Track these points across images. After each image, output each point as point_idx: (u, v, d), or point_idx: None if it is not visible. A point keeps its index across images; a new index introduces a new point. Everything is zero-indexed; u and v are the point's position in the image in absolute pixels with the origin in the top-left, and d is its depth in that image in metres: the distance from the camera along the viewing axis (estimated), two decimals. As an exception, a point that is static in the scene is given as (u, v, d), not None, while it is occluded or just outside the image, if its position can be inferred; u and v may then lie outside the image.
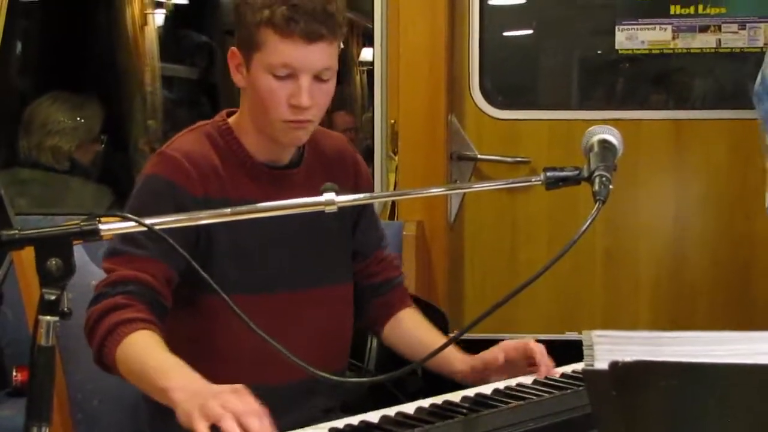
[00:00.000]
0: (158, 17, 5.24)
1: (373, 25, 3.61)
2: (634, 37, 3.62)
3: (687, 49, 3.61)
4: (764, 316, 3.51)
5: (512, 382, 1.94)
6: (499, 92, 3.73)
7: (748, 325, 3.48)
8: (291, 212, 1.65)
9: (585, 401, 1.30)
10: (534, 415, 1.72)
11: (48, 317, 1.33)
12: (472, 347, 2.08)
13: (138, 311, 1.82)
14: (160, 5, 5.24)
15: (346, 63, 5.96)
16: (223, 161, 2.00)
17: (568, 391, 1.86)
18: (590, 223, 1.50)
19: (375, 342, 3.17)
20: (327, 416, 1.97)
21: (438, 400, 1.82)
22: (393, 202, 3.57)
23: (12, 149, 3.90)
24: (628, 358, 1.19)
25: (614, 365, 1.19)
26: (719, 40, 3.58)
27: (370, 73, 4.06)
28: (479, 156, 3.64)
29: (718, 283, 3.59)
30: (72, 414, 2.16)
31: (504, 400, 1.82)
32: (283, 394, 1.93)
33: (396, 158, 3.57)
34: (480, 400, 1.82)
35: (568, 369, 2.00)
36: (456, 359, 2.06)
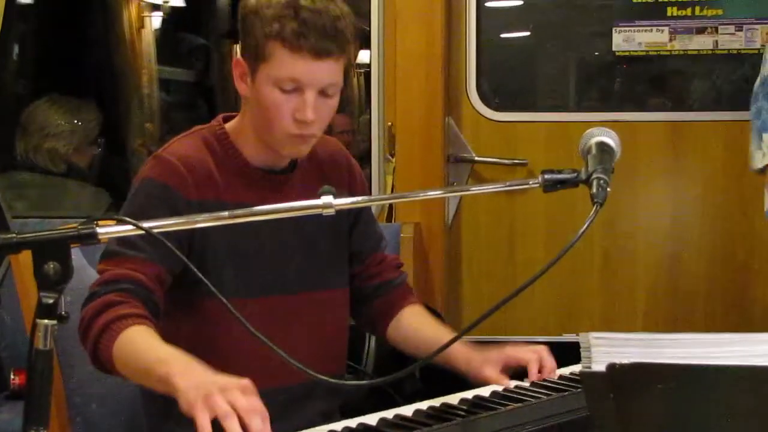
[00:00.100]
0: (155, 20, 5.24)
1: (370, 27, 3.61)
2: (631, 39, 3.62)
3: (684, 50, 3.61)
4: (762, 318, 3.52)
5: (510, 384, 1.94)
6: (496, 94, 3.74)
7: (745, 327, 3.49)
8: (288, 215, 1.65)
9: (583, 403, 1.30)
10: (532, 417, 1.72)
11: (45, 321, 1.33)
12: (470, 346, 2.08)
13: (132, 307, 1.82)
14: (157, 8, 5.24)
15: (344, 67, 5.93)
16: (219, 166, 2.00)
17: (566, 393, 1.86)
18: (588, 226, 1.50)
19: (373, 344, 3.18)
20: (325, 419, 1.97)
21: (436, 402, 1.82)
22: (390, 205, 3.57)
23: (9, 152, 3.90)
24: (625, 361, 1.20)
25: (612, 367, 1.20)
26: (716, 41, 3.59)
27: (367, 76, 4.06)
28: (476, 158, 3.64)
29: (715, 285, 3.59)
30: (70, 417, 2.16)
31: (502, 402, 1.82)
32: (281, 397, 1.92)
33: (393, 160, 3.57)
34: (478, 403, 1.82)
35: (565, 371, 2.00)
36: (459, 358, 2.05)
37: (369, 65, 3.72)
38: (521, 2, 3.85)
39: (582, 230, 1.50)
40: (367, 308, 2.23)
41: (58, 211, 3.79)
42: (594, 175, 1.59)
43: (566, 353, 1.96)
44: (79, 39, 5.01)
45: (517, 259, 3.65)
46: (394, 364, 2.05)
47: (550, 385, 1.92)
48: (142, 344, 1.76)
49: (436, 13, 3.52)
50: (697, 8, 3.59)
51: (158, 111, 5.23)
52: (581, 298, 3.63)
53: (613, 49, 3.65)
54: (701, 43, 3.60)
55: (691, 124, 3.60)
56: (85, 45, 5.05)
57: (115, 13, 5.04)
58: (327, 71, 1.92)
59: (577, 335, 1.42)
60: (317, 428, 1.73)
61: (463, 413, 1.77)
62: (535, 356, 1.99)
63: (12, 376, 3.10)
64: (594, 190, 1.57)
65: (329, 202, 1.56)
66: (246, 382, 1.58)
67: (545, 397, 1.85)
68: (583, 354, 1.33)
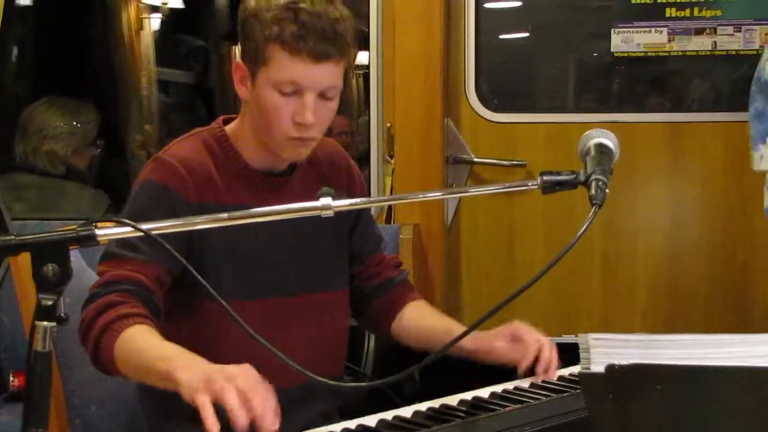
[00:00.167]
0: (154, 21, 5.23)
1: (368, 28, 3.61)
2: (630, 40, 3.62)
3: (683, 51, 3.61)
4: (761, 319, 3.52)
5: (510, 385, 1.94)
6: (495, 95, 3.73)
7: (745, 327, 3.49)
8: (288, 217, 1.65)
9: (582, 404, 1.30)
10: (531, 418, 1.72)
11: (45, 323, 1.33)
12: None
13: (133, 307, 1.82)
14: (156, 9, 5.24)
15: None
16: (219, 168, 2.00)
17: (565, 394, 1.86)
18: (587, 227, 1.50)
19: (372, 346, 3.18)
20: (324, 421, 1.97)
21: (435, 403, 1.83)
22: (389, 206, 3.57)
23: (8, 154, 3.90)
24: (624, 362, 1.20)
25: (611, 368, 1.20)
26: (715, 42, 3.59)
27: (366, 77, 4.06)
28: (475, 159, 3.63)
29: (714, 286, 3.59)
30: (70, 419, 2.16)
31: (501, 403, 1.82)
32: (280, 399, 1.92)
33: (392, 162, 3.57)
34: (477, 404, 1.82)
35: (565, 372, 2.00)
36: (464, 340, 2.05)
37: (368, 66, 3.72)
38: (520, 3, 3.85)
39: (581, 231, 1.50)
40: (369, 308, 2.23)
41: (57, 212, 3.78)
42: (593, 177, 1.60)
43: (565, 354, 1.96)
44: (78, 41, 5.01)
45: (516, 260, 3.64)
46: (393, 365, 2.05)
47: (549, 386, 1.92)
48: (143, 343, 1.76)
49: (434, 14, 3.51)
50: (696, 9, 3.59)
51: (157, 113, 5.23)
52: (580, 298, 3.63)
53: (612, 50, 3.65)
54: (700, 44, 3.60)
55: (690, 125, 3.60)
56: (84, 47, 5.05)
57: (113, 15, 5.04)
58: (326, 74, 1.92)
59: (576, 336, 1.42)
60: (317, 430, 1.73)
61: (462, 414, 1.77)
62: (537, 347, 1.99)
63: (11, 378, 3.10)
64: (593, 191, 1.58)
65: (328, 203, 1.56)
66: (247, 366, 1.58)
67: (544, 398, 1.85)
68: (582, 355, 1.33)
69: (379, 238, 2.26)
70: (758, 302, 3.56)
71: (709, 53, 3.61)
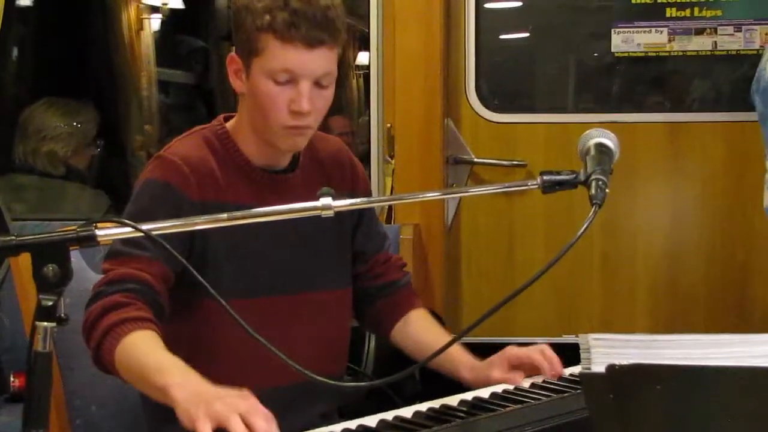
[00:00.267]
0: (154, 22, 5.24)
1: (368, 28, 3.61)
2: (630, 40, 3.62)
3: (683, 51, 3.62)
4: (761, 319, 3.52)
5: (510, 385, 1.94)
6: (496, 96, 3.73)
7: (745, 327, 3.49)
8: (288, 217, 1.65)
9: (582, 405, 1.30)
10: (531, 418, 1.72)
11: (45, 323, 1.33)
12: (470, 351, 2.08)
13: (137, 309, 1.82)
14: (156, 10, 5.24)
15: (342, 67, 5.93)
16: (221, 165, 2.00)
17: (566, 394, 1.86)
18: (587, 227, 1.50)
19: (372, 345, 3.17)
20: (324, 421, 1.97)
21: (436, 404, 1.82)
22: (390, 206, 3.57)
23: (7, 155, 3.90)
24: (625, 362, 1.20)
25: (611, 368, 1.20)
26: (715, 42, 3.59)
27: (366, 77, 4.06)
28: (476, 159, 3.64)
29: (715, 286, 3.59)
30: (70, 420, 2.16)
31: (502, 403, 1.82)
32: (280, 398, 1.92)
33: (392, 162, 3.57)
34: (478, 404, 1.82)
35: (565, 372, 2.00)
36: (463, 366, 2.06)
37: (368, 67, 3.72)
38: (520, 3, 3.85)
39: (581, 231, 1.50)
40: (372, 308, 2.23)
41: (57, 213, 3.78)
42: (593, 177, 1.59)
43: (566, 354, 1.96)
44: (78, 41, 5.01)
45: (516, 260, 3.65)
46: (393, 365, 2.04)
47: (549, 386, 1.92)
48: (143, 351, 1.76)
49: (435, 14, 3.51)
50: (696, 9, 3.59)
51: (157, 113, 5.23)
52: (581, 299, 3.63)
53: (612, 50, 3.65)
54: (700, 44, 3.60)
55: (690, 125, 3.60)
56: (84, 47, 5.05)
57: (114, 15, 5.04)
58: (320, 61, 1.92)
59: (577, 336, 1.42)
60: (316, 430, 1.73)
61: (462, 415, 1.77)
62: (542, 356, 1.99)
63: (12, 379, 3.10)
64: (593, 191, 1.58)
65: (328, 203, 1.56)
66: (244, 391, 1.58)
67: (545, 398, 1.85)
68: (582, 355, 1.33)
69: (383, 237, 2.26)
70: (758, 302, 3.56)
71: (709, 53, 3.61)
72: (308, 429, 1.74)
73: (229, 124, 2.07)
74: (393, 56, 3.53)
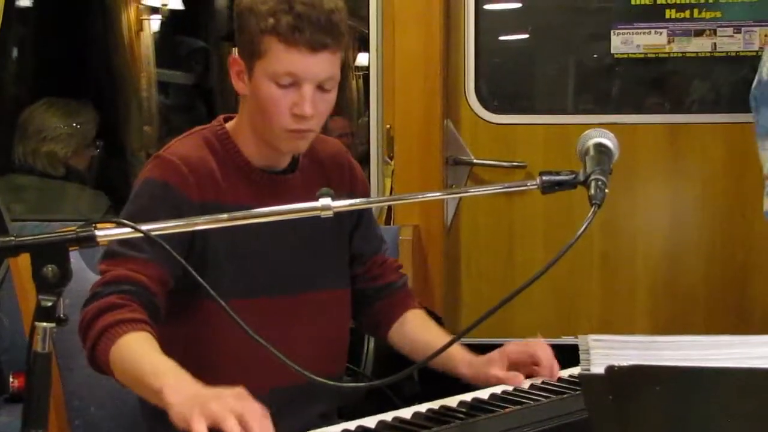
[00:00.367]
0: (154, 23, 5.24)
1: (368, 30, 3.61)
2: (630, 41, 3.62)
3: (682, 53, 3.62)
4: (761, 320, 3.52)
5: (509, 386, 1.94)
6: (495, 96, 3.74)
7: (745, 328, 3.49)
8: (288, 218, 1.65)
9: (582, 406, 1.30)
10: (531, 419, 1.72)
11: (44, 324, 1.33)
12: (470, 351, 2.08)
13: (133, 311, 1.82)
14: (155, 11, 5.24)
15: (341, 68, 5.92)
16: (220, 166, 2.00)
17: (565, 395, 1.86)
18: (586, 227, 1.50)
19: (372, 346, 3.18)
20: (324, 421, 1.97)
21: (435, 405, 1.82)
22: (389, 207, 3.57)
23: (7, 155, 3.90)
24: (624, 363, 1.20)
25: (611, 370, 1.19)
26: (714, 44, 3.59)
27: (366, 78, 4.06)
28: (475, 160, 3.64)
29: (714, 287, 3.59)
30: (69, 420, 2.16)
31: (501, 404, 1.82)
32: (279, 398, 1.92)
33: (392, 163, 3.57)
34: (477, 405, 1.82)
35: (564, 373, 2.00)
36: (461, 362, 2.06)
37: (368, 68, 3.72)
38: (520, 5, 3.85)
39: (580, 231, 1.50)
40: (369, 310, 2.23)
41: (56, 214, 3.78)
42: (592, 177, 1.59)
43: (565, 355, 1.96)
44: (78, 42, 5.01)
45: (516, 260, 3.65)
46: (392, 366, 2.04)
47: (549, 387, 1.92)
48: (138, 353, 1.75)
49: (434, 15, 3.51)
50: (696, 11, 3.59)
51: (157, 114, 5.23)
52: (580, 299, 3.63)
53: (612, 51, 3.65)
54: (699, 45, 3.60)
55: (690, 126, 3.61)
56: (84, 48, 5.05)
57: (113, 16, 5.04)
58: (323, 65, 1.92)
59: (576, 337, 1.42)
60: (316, 431, 1.73)
61: (461, 416, 1.77)
62: (544, 354, 1.99)
63: (11, 379, 3.10)
64: (592, 191, 1.58)
65: (327, 204, 1.56)
66: (240, 389, 1.58)
67: (544, 399, 1.84)
68: (582, 356, 1.33)
69: (380, 239, 2.26)
70: (758, 302, 3.56)
71: (708, 54, 3.61)
72: (307, 429, 1.74)
73: (229, 125, 2.06)
74: (392, 57, 3.53)
